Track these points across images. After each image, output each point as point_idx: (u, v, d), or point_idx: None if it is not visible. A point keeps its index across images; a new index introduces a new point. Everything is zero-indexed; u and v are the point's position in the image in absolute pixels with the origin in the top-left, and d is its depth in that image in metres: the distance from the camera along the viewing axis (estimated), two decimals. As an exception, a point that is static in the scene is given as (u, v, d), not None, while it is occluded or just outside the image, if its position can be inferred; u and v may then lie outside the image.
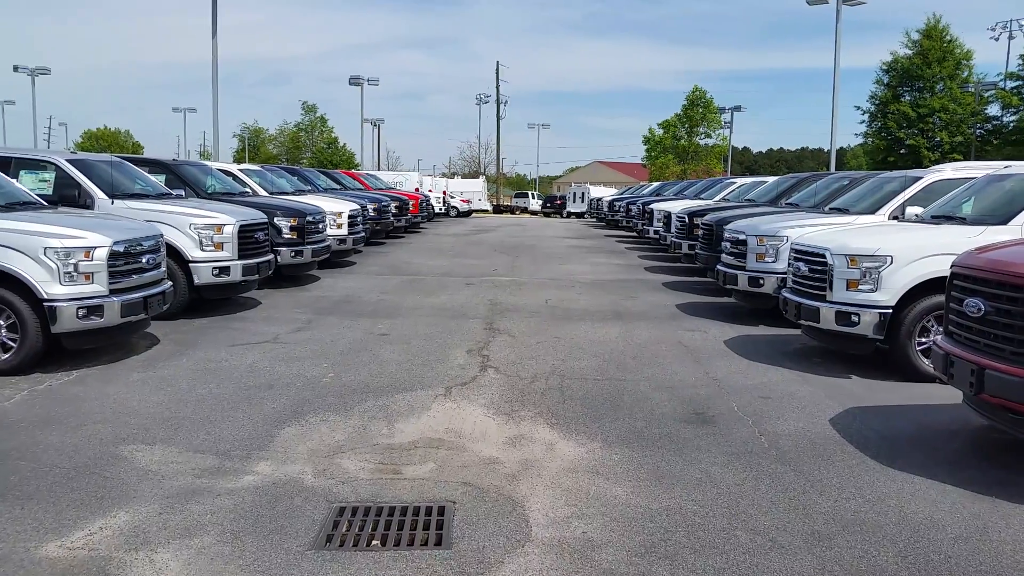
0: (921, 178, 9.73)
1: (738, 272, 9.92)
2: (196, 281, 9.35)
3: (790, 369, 7.50)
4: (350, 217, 15.02)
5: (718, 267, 10.65)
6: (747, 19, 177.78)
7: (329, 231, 14.39)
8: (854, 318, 7.14)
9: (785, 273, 9.45)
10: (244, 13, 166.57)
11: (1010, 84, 44.62)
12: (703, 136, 68.95)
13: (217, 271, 9.46)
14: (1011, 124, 44.87)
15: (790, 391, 6.70)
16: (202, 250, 9.41)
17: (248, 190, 14.18)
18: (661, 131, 70.38)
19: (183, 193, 11.77)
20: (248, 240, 9.93)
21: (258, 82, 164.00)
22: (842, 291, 7.25)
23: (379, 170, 53.13)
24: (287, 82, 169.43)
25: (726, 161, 66.14)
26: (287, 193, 15.60)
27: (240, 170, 15.21)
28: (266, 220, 10.60)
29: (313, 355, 7.74)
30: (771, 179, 17.52)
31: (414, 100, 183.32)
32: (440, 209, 42.08)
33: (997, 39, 51.81)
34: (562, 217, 55.00)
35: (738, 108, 63.67)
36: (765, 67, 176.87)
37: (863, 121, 48.94)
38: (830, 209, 10.47)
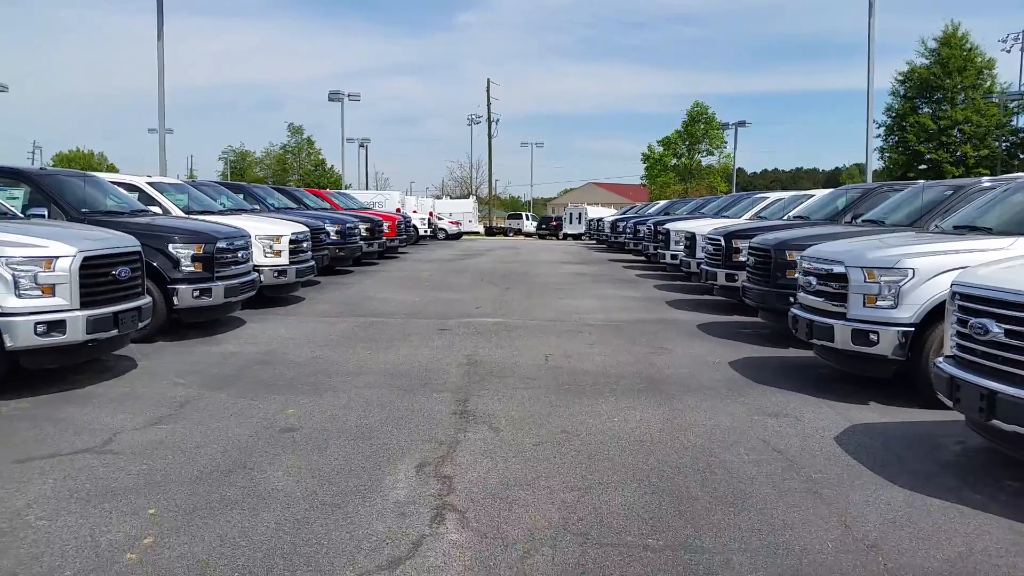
0: (1101, 180, 6.54)
1: (833, 322, 6.63)
2: (8, 344, 6.04)
3: (980, 510, 4.21)
4: (292, 242, 11.68)
5: (793, 312, 7.40)
6: (738, 43, 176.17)
7: (263, 260, 11.14)
8: (1112, 423, 3.88)
9: (909, 325, 6.23)
10: (238, 37, 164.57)
11: (1035, 94, 41.80)
12: (704, 154, 66.02)
13: (44, 327, 6.15)
14: (1039, 136, 42.00)
15: (1029, 579, 3.44)
16: (19, 296, 6.11)
17: (155, 209, 10.91)
18: (661, 148, 67.42)
19: (46, 214, 8.66)
20: (100, 279, 6.64)
21: (252, 107, 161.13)
22: (1086, 373, 4.00)
23: (366, 190, 50.10)
24: (281, 107, 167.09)
25: (730, 180, 63.05)
26: (214, 213, 12.31)
27: (150, 184, 11.91)
28: (137, 249, 7.30)
29: (144, 484, 4.44)
30: (819, 192, 14.38)
31: (407, 124, 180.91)
32: (426, 231, 38.83)
33: (1009, 51, 49.22)
34: (558, 239, 52.01)
35: (742, 123, 60.68)
36: (758, 89, 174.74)
37: (879, 135, 45.94)
38: (955, 228, 7.23)
